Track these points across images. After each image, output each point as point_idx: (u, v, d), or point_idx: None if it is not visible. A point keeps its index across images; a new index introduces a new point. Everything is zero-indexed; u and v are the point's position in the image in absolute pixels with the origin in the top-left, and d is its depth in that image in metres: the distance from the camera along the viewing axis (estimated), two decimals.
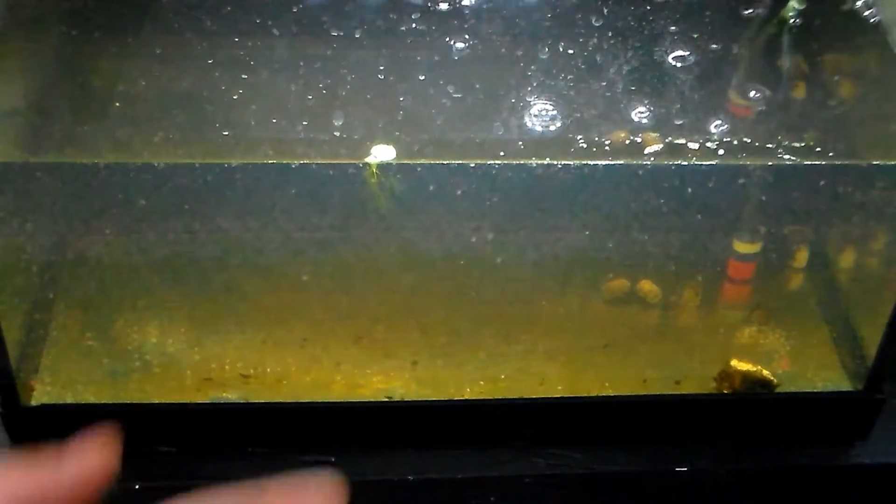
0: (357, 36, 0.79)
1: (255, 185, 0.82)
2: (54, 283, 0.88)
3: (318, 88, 0.81)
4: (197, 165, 0.79)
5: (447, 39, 0.81)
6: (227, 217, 0.86)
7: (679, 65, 0.82)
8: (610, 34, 0.81)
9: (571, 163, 0.79)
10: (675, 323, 0.92)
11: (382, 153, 0.78)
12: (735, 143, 0.80)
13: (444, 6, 0.80)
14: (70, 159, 0.80)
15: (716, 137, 0.80)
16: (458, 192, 0.82)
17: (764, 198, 0.85)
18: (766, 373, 0.87)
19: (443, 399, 0.86)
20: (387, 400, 0.85)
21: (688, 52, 0.82)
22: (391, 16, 0.79)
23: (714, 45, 0.81)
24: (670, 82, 0.81)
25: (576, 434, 0.86)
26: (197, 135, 0.80)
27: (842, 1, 0.81)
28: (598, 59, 0.81)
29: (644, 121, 0.79)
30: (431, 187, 0.82)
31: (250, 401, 0.84)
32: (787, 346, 0.90)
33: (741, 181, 0.83)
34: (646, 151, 0.79)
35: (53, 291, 0.88)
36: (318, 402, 0.84)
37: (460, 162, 0.79)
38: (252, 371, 0.87)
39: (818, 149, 0.80)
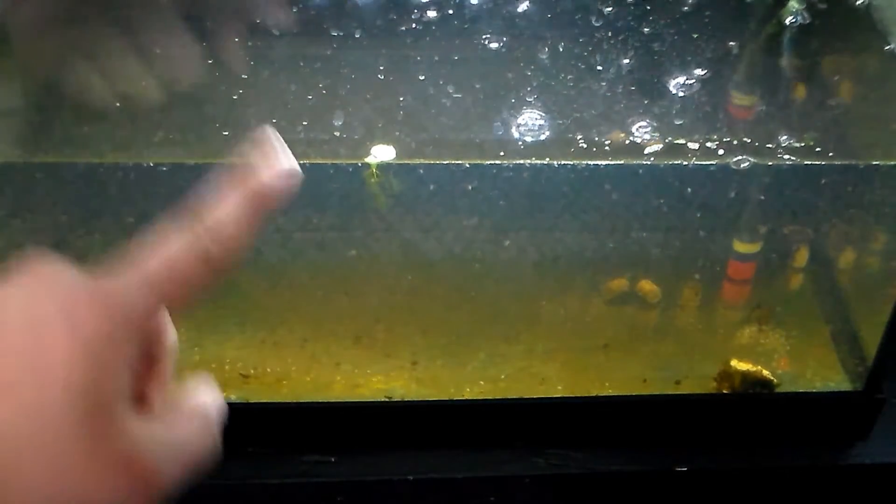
0: (357, 36, 0.79)
1: None
2: None
3: (318, 88, 0.81)
4: (196, 165, 0.79)
5: (447, 39, 0.81)
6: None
7: (679, 65, 0.82)
8: (610, 34, 0.81)
9: (571, 163, 0.79)
10: (675, 323, 0.92)
11: (382, 153, 0.78)
12: (735, 143, 0.80)
13: (444, 6, 0.80)
14: (70, 159, 0.80)
15: (716, 137, 0.80)
16: (458, 192, 0.82)
17: (763, 197, 0.86)
18: (766, 373, 0.87)
19: (443, 399, 0.86)
20: (387, 400, 0.85)
21: (688, 53, 0.82)
22: (391, 16, 0.79)
23: (714, 45, 0.81)
24: (670, 82, 0.81)
25: (576, 434, 0.86)
26: (197, 135, 0.80)
27: (842, 1, 0.81)
28: (598, 59, 0.81)
29: (644, 121, 0.79)
30: (431, 187, 0.82)
31: (250, 401, 0.84)
32: (787, 346, 0.90)
33: (741, 181, 0.83)
34: (646, 151, 0.79)
35: None
36: (318, 402, 0.84)
37: (460, 162, 0.79)
38: (252, 371, 0.87)
39: (818, 149, 0.80)
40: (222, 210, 0.48)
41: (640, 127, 0.79)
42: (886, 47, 0.80)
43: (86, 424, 0.41)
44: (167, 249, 0.46)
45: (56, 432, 0.40)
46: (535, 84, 0.81)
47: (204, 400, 0.49)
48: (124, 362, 0.43)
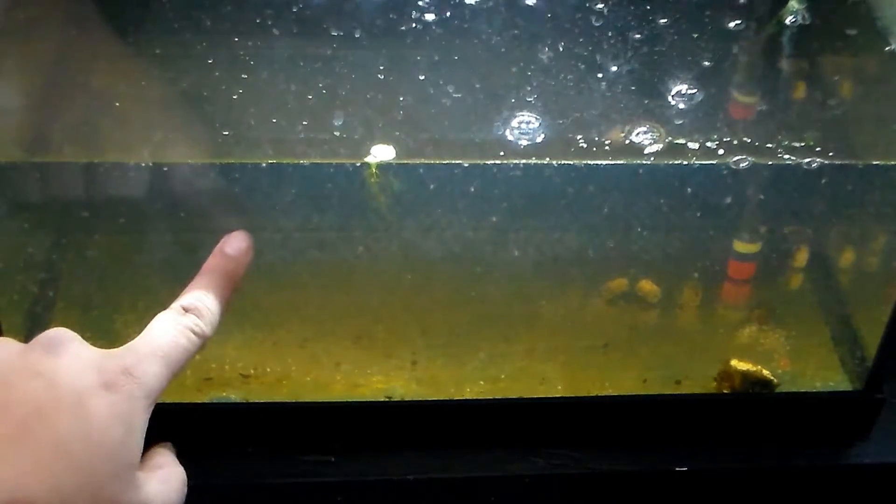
0: (357, 36, 0.79)
1: (255, 185, 0.82)
2: (54, 283, 0.88)
3: (318, 88, 0.81)
4: (196, 165, 0.79)
5: (447, 39, 0.81)
6: (228, 217, 0.86)
7: (679, 65, 0.82)
8: (610, 34, 0.81)
9: (571, 163, 0.79)
10: (675, 323, 0.92)
11: (382, 153, 0.78)
12: (735, 143, 0.80)
13: (444, 6, 0.80)
14: (70, 159, 0.80)
15: (716, 137, 0.80)
16: (458, 192, 0.82)
17: (763, 197, 0.86)
18: (766, 373, 0.87)
19: (443, 399, 0.86)
20: (387, 400, 0.85)
21: (688, 52, 0.82)
22: (391, 16, 0.79)
23: (714, 45, 0.81)
24: (670, 82, 0.81)
25: (576, 434, 0.86)
26: (197, 135, 0.80)
27: (842, 1, 0.81)
28: (598, 58, 0.81)
29: (643, 127, 0.79)
30: (431, 187, 0.82)
31: (250, 401, 0.84)
32: (787, 346, 0.90)
33: (741, 181, 0.83)
34: (646, 151, 0.79)
35: (53, 291, 0.88)
36: (318, 402, 0.84)
37: (460, 162, 0.79)
38: (252, 371, 0.87)
39: (818, 149, 0.80)
40: (201, 291, 0.61)
41: (639, 133, 0.79)
42: (886, 47, 0.80)
43: (119, 478, 0.50)
44: (167, 329, 0.57)
45: (98, 484, 0.49)
46: (534, 84, 0.81)
47: (174, 460, 0.60)
48: (143, 424, 0.53)
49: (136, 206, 0.83)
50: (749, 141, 0.80)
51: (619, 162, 0.79)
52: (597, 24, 0.80)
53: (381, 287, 0.90)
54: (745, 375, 0.87)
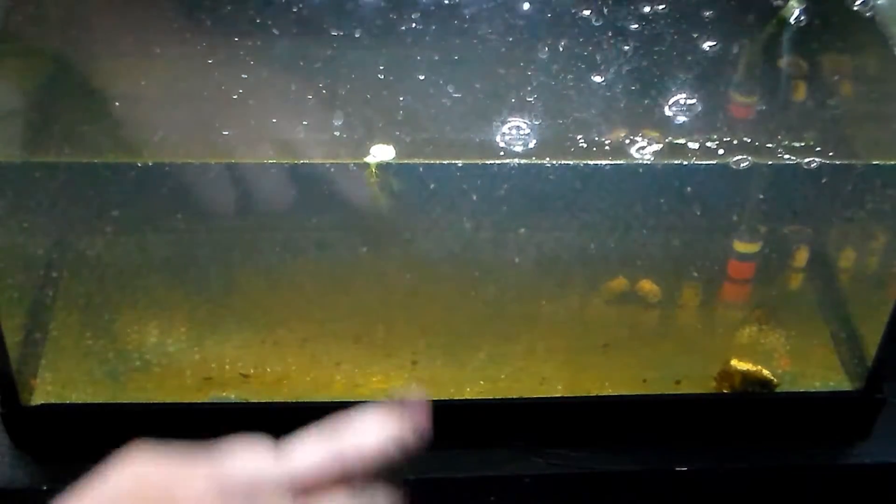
0: (357, 36, 0.79)
1: (255, 185, 0.82)
2: (54, 283, 0.88)
3: (318, 88, 0.81)
4: (197, 165, 0.79)
5: (447, 39, 0.81)
6: (227, 217, 0.86)
7: (679, 65, 0.82)
8: (610, 34, 0.81)
9: (571, 163, 0.79)
10: (675, 323, 0.92)
11: (382, 153, 0.78)
12: (735, 142, 0.80)
13: (443, 6, 0.80)
14: (70, 159, 0.80)
15: (716, 137, 0.80)
16: (458, 192, 0.82)
17: (763, 197, 0.86)
18: (765, 372, 0.87)
19: (443, 399, 0.86)
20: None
21: (688, 53, 0.82)
22: (391, 16, 0.79)
23: (714, 45, 0.81)
24: (670, 82, 0.81)
25: (576, 434, 0.86)
26: (197, 135, 0.80)
27: (842, 1, 0.81)
28: (598, 58, 0.81)
29: (644, 139, 0.80)
30: (431, 187, 0.82)
31: (250, 401, 0.84)
32: (787, 345, 0.90)
33: (741, 181, 0.83)
34: (646, 151, 0.79)
35: (53, 291, 0.88)
36: (318, 402, 0.84)
37: (460, 162, 0.79)
38: (252, 371, 0.87)
39: (818, 149, 0.80)
40: (366, 440, 0.57)
41: (639, 148, 0.79)
42: (886, 47, 0.80)
43: None
44: (317, 456, 0.56)
45: None
46: (534, 84, 0.81)
47: None
48: None
49: (137, 206, 0.83)
50: (749, 141, 0.80)
51: (619, 162, 0.79)
52: (596, 24, 0.80)
53: (381, 287, 0.90)
54: (744, 375, 0.87)
